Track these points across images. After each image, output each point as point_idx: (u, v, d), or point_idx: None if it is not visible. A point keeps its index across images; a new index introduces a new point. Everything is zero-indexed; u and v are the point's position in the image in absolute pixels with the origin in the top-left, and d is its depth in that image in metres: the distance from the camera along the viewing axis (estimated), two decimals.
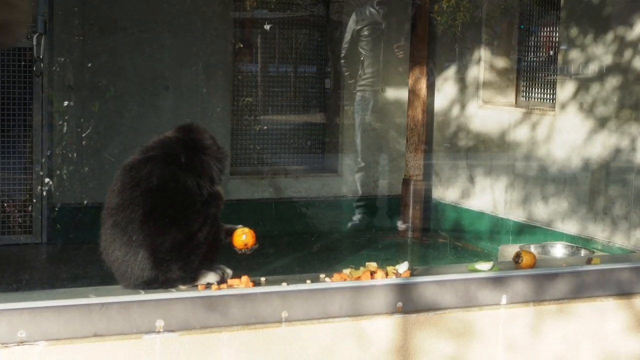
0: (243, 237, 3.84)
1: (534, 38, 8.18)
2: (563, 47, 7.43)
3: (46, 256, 7.25)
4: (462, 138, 8.53)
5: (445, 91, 8.70)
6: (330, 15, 9.04)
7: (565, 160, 7.35)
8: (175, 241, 3.58)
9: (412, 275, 4.02)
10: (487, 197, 8.18)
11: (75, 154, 7.45)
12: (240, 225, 3.88)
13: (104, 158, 7.48)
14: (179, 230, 3.58)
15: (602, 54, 7.07)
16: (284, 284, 3.77)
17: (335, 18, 9.04)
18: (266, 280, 3.85)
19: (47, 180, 7.28)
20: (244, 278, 3.76)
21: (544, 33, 8.10)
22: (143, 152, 3.71)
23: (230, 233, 3.86)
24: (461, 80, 8.55)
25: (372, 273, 3.95)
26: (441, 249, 8.19)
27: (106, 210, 3.66)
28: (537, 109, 7.81)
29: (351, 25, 8.67)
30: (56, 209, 7.39)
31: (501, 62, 8.29)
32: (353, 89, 8.79)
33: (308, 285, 3.80)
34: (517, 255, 4.31)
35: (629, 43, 6.84)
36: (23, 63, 7.19)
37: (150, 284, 3.60)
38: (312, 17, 9.06)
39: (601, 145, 7.04)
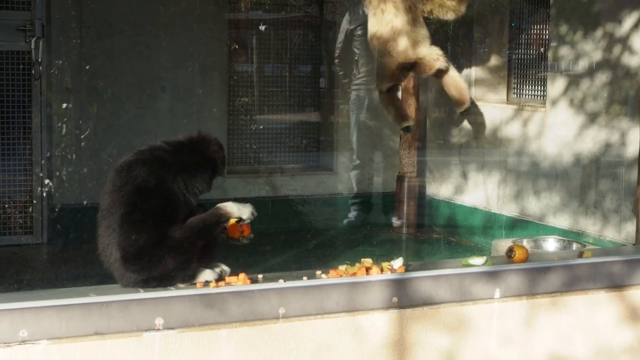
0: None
1: (525, 35, 8.18)
2: (553, 44, 7.44)
3: (47, 256, 7.23)
4: (455, 135, 8.55)
5: (438, 89, 8.70)
6: (324, 15, 9.04)
7: (557, 156, 7.37)
8: (167, 240, 3.63)
9: (407, 270, 4.04)
10: (480, 192, 8.19)
11: (74, 155, 7.45)
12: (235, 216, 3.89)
13: (102, 159, 7.48)
14: (166, 231, 3.62)
15: (591, 50, 7.08)
16: (281, 280, 3.80)
17: (329, 18, 9.03)
18: (263, 277, 3.88)
19: (47, 181, 7.28)
20: (242, 275, 3.78)
21: (534, 30, 8.09)
22: (134, 154, 3.77)
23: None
24: None
25: (368, 269, 3.98)
26: (435, 244, 8.16)
27: (100, 212, 3.71)
28: (528, 105, 7.82)
29: (344, 25, 8.64)
30: (56, 210, 7.38)
31: (492, 60, 8.29)
32: (347, 88, 8.77)
33: (305, 281, 3.83)
34: (510, 250, 4.33)
35: (618, 39, 6.86)
36: (22, 66, 7.17)
37: (148, 283, 3.64)
38: (306, 18, 9.05)
39: (592, 141, 7.05)
